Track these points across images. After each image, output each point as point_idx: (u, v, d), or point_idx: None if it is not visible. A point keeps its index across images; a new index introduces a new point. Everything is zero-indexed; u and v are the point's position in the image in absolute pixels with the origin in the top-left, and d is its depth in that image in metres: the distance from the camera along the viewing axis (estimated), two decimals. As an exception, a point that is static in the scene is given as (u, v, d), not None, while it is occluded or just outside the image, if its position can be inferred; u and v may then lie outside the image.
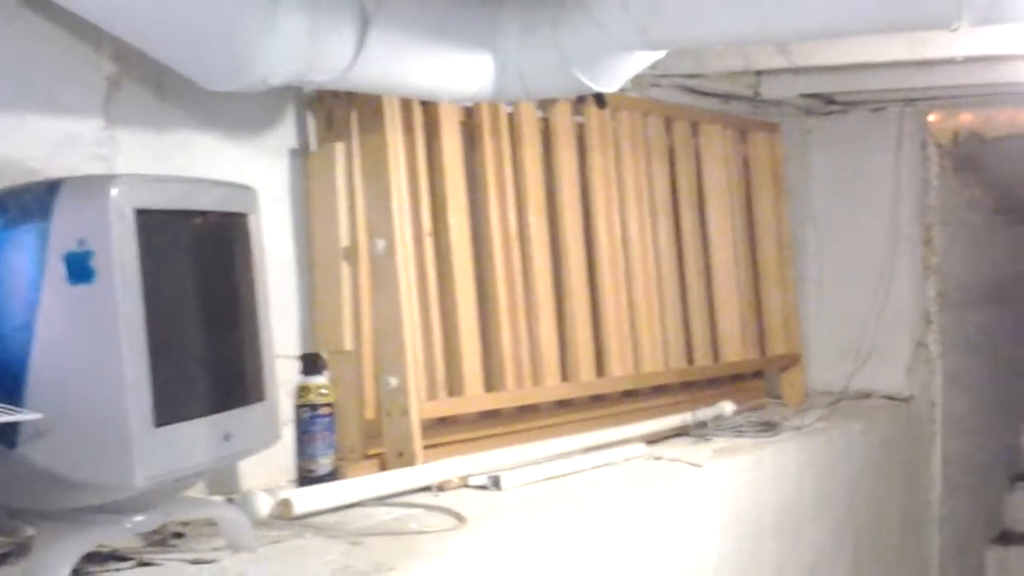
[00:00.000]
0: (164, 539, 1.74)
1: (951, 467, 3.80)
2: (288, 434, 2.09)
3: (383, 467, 2.22)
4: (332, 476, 2.11)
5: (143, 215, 1.45)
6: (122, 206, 1.44)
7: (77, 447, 1.41)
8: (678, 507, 2.43)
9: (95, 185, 1.49)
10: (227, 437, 1.58)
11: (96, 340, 1.41)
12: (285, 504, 1.90)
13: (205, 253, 1.62)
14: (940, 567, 3.77)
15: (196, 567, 1.65)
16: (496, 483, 2.24)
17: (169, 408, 1.46)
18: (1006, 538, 4.31)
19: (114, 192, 1.44)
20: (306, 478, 2.08)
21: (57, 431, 1.40)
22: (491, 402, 2.49)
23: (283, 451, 2.07)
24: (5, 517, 1.53)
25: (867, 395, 3.60)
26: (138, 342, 1.42)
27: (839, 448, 3.16)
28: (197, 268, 1.60)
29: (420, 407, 2.23)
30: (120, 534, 1.57)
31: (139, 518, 1.55)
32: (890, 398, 3.60)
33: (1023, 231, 4.56)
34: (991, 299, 4.17)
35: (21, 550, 1.58)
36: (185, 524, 1.80)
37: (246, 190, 1.70)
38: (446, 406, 2.37)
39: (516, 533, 1.99)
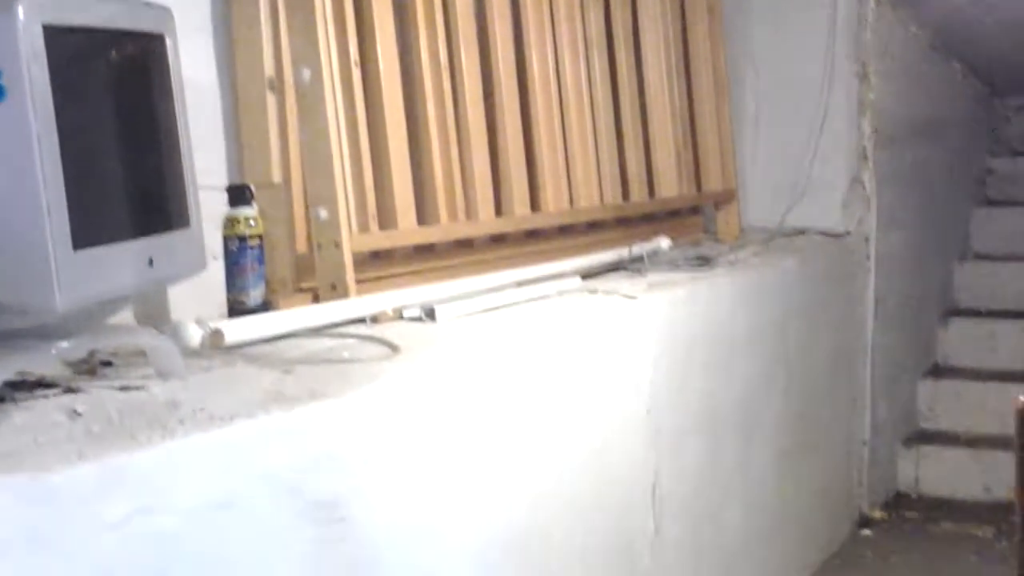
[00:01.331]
0: (93, 368, 1.72)
1: (884, 302, 3.86)
2: (218, 268, 2.08)
3: (316, 301, 2.21)
4: (264, 308, 2.10)
5: (52, 31, 1.41)
6: (30, 22, 1.39)
7: (-6, 270, 1.39)
8: (612, 338, 2.45)
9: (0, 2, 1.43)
10: (150, 262, 1.56)
11: (9, 160, 1.38)
12: (216, 334, 1.89)
13: (121, 75, 1.58)
14: (872, 400, 3.86)
15: (125, 393, 1.64)
16: (430, 315, 2.24)
17: (87, 231, 1.44)
18: (937, 372, 4.41)
19: (20, 8, 1.39)
20: (237, 310, 2.06)
21: (-28, 252, 1.38)
22: (424, 236, 2.48)
23: (213, 285, 2.06)
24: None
25: (802, 231, 3.63)
26: (53, 162, 1.39)
27: (773, 283, 3.20)
28: (113, 90, 1.56)
29: (352, 240, 2.22)
30: (45, 360, 1.56)
31: (64, 344, 1.53)
32: (825, 234, 3.64)
33: (959, 68, 4.57)
34: (927, 136, 4.20)
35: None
36: (114, 355, 1.79)
37: (162, 10, 1.65)
38: (378, 239, 2.35)
39: (449, 362, 2.00)
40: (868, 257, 3.78)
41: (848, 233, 3.68)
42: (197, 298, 2.02)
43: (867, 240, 3.77)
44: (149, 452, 1.46)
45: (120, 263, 1.51)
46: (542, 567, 2.20)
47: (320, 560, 1.69)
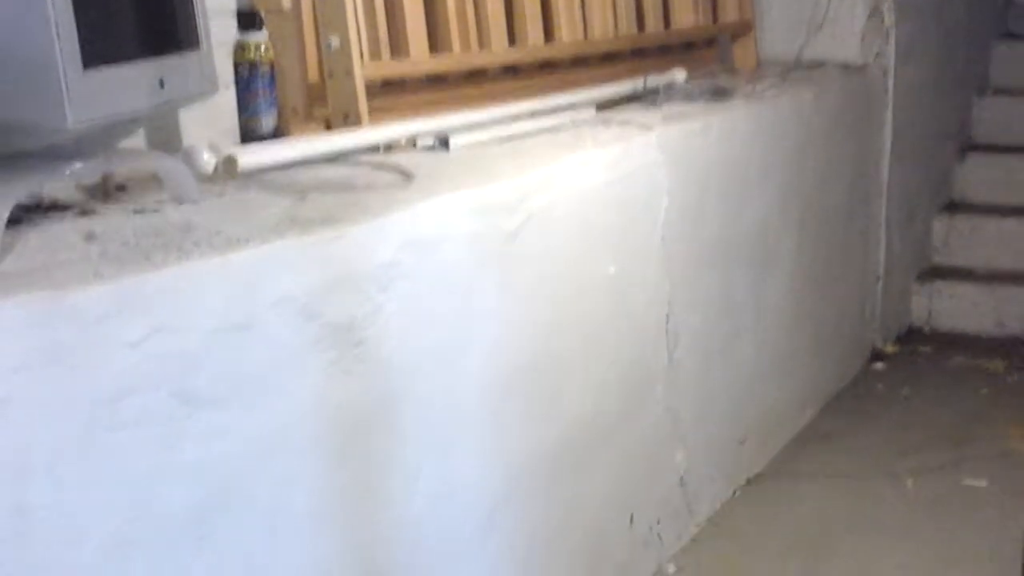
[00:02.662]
0: (107, 192, 1.72)
1: (901, 136, 3.82)
2: (230, 97, 2.06)
3: (328, 130, 2.19)
4: (276, 135, 2.08)
5: None
6: None
7: (8, 88, 1.38)
8: (626, 167, 2.43)
9: None
10: (161, 83, 1.54)
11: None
12: (229, 160, 1.88)
13: None
14: (887, 235, 3.85)
15: (139, 216, 1.64)
16: (444, 144, 2.23)
17: (97, 50, 1.42)
18: (953, 208, 4.39)
19: None
20: (250, 137, 2.05)
21: (-14, 73, 1.37)
22: (436, 65, 2.45)
23: (225, 112, 2.04)
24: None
25: (820, 64, 3.57)
26: (61, -19, 1.37)
27: (789, 115, 3.16)
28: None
29: (364, 67, 2.19)
30: (59, 180, 1.56)
31: (78, 165, 1.53)
32: (843, 67, 3.58)
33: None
34: (948, -33, 4.11)
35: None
36: (128, 179, 1.78)
37: None
38: (390, 68, 2.32)
39: (463, 190, 1.99)
40: (886, 91, 3.72)
41: (866, 66, 3.63)
42: (209, 126, 2.01)
43: (885, 73, 3.71)
44: (165, 273, 1.47)
45: (130, 83, 1.50)
46: (555, 395, 2.23)
47: (336, 382, 1.71)
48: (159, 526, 1.47)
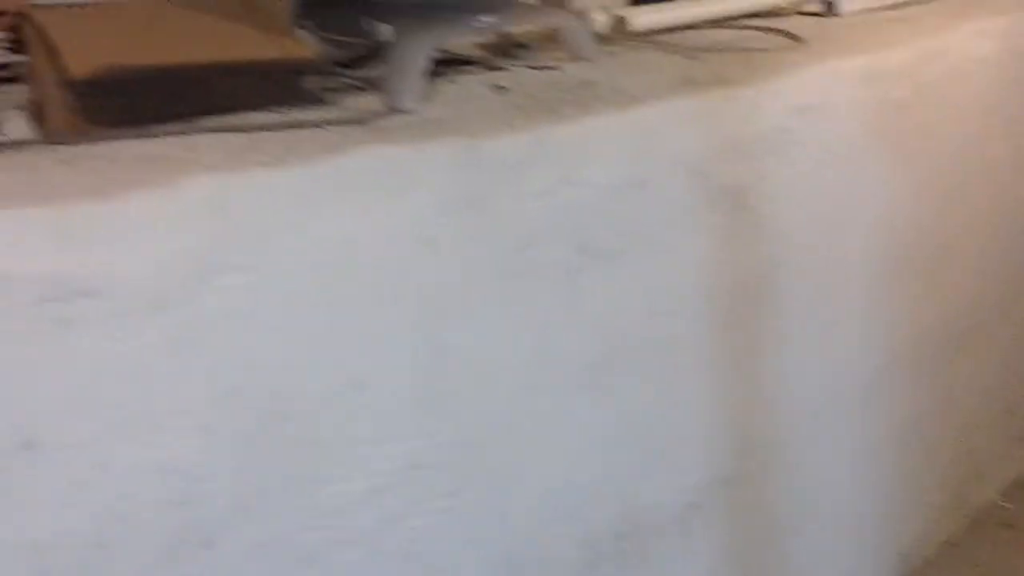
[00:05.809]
0: (507, 49, 1.76)
1: None
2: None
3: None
4: (663, -1, 2.07)
5: None
6: None
7: (430, -64, 1.42)
8: (1024, 38, 2.29)
9: None
10: (571, -64, 1.55)
11: None
12: (620, 21, 1.88)
13: None
14: None
15: (541, 72, 1.67)
16: (831, 8, 2.15)
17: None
18: None
19: None
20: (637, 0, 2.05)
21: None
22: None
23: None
24: (361, 16, 1.56)
25: None
26: None
27: None
28: None
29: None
30: (469, 31, 1.60)
31: (487, 18, 1.56)
32: None
33: None
34: None
35: (376, 51, 1.63)
36: (524, 38, 1.81)
37: None
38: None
39: (854, 54, 1.92)
40: None
41: None
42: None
43: None
44: (570, 126, 1.48)
45: (544, -65, 1.51)
46: (937, 277, 2.15)
47: (724, 245, 1.70)
48: (559, 372, 1.52)
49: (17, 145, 1.21)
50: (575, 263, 1.51)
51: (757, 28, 2.02)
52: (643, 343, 1.63)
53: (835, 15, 2.14)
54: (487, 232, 1.41)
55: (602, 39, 1.85)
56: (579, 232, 1.51)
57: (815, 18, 2.15)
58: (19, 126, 1.24)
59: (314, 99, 1.44)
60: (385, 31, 1.54)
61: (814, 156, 1.83)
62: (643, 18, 1.92)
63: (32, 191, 1.09)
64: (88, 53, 1.20)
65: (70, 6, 1.28)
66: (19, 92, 1.24)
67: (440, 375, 1.40)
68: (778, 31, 1.98)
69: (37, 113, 1.24)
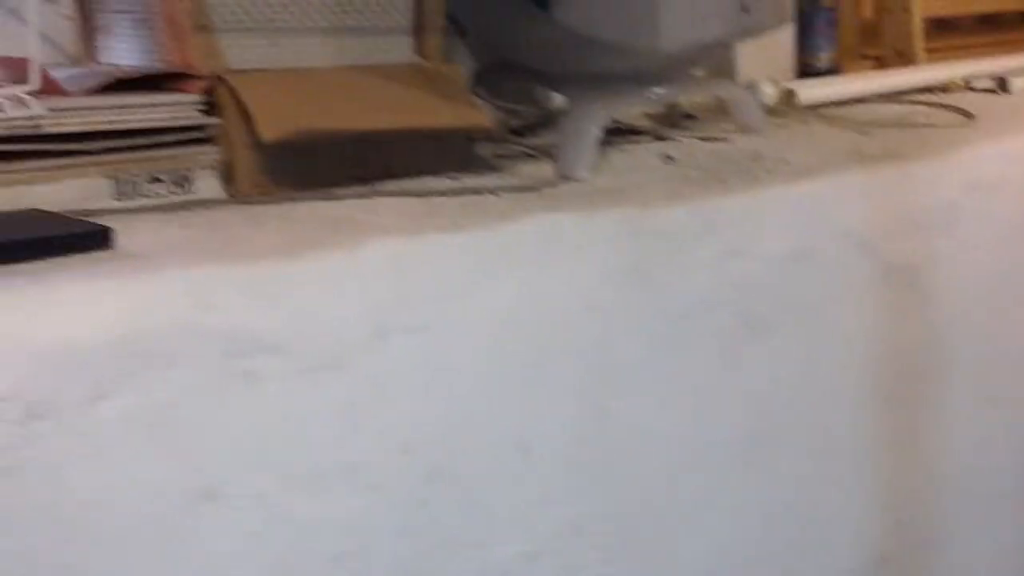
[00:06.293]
0: (674, 120, 1.77)
1: None
2: (788, 30, 2.06)
3: (880, 68, 2.15)
4: (831, 73, 2.06)
5: None
6: None
7: (606, 9, 1.44)
8: None
9: None
10: (744, 8, 1.56)
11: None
12: (789, 94, 1.89)
13: None
14: None
15: (709, 144, 1.68)
16: (1003, 86, 2.12)
17: (691, -26, 1.46)
18: None
19: None
20: (806, 72, 2.05)
21: (586, -8, 1.44)
22: (992, 5, 2.33)
23: (783, 46, 2.04)
24: (536, 86, 1.60)
25: None
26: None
27: None
28: None
29: (922, 3, 2.13)
30: (642, 102, 1.62)
31: (659, 90, 1.58)
32: None
33: None
34: None
35: (548, 119, 1.66)
36: (692, 109, 1.83)
37: None
38: (945, 6, 2.24)
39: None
40: None
41: None
42: (764, 56, 2.02)
43: None
44: (738, 198, 1.49)
45: (718, 7, 1.52)
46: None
47: (890, 322, 1.68)
48: (716, 445, 1.51)
49: (207, 203, 1.26)
50: (737, 335, 1.51)
51: (927, 104, 2.00)
52: (801, 418, 1.61)
53: (1007, 93, 2.11)
54: (651, 301, 1.42)
55: (771, 111, 1.85)
56: (743, 304, 1.51)
57: (986, 95, 2.12)
58: (210, 185, 1.29)
59: (487, 165, 1.48)
60: (557, 100, 1.57)
61: (984, 234, 1.80)
62: (812, 91, 1.92)
63: (223, 249, 1.14)
64: (278, 117, 1.25)
65: (263, 71, 1.33)
66: (211, 153, 1.29)
67: (600, 442, 1.40)
68: (949, 107, 1.96)
69: (227, 173, 1.29)
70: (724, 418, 1.52)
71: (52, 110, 1.17)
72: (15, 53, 1.32)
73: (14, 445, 0.98)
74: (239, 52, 1.33)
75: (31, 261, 1.03)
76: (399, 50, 1.45)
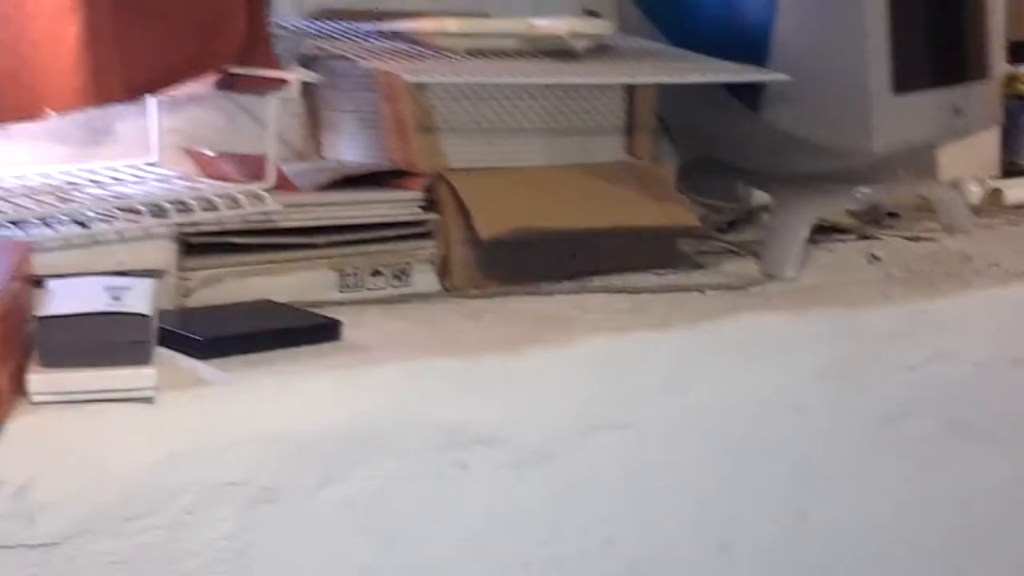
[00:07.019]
0: (878, 218, 1.76)
1: None
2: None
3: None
4: (1038, 171, 2.02)
5: None
6: None
7: (818, 111, 1.45)
8: None
9: None
10: (956, 111, 1.55)
11: (839, 5, 1.43)
12: (995, 193, 1.86)
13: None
14: None
15: (915, 243, 1.66)
16: None
17: (904, 76, 1.46)
18: None
19: None
20: (1011, 171, 2.01)
21: (799, 94, 1.45)
22: None
23: (987, 145, 2.01)
24: (738, 183, 1.62)
25: None
26: (879, 9, 1.43)
27: None
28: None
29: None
30: (850, 201, 1.62)
31: (866, 189, 1.58)
32: None
33: None
34: None
35: (750, 216, 1.68)
36: (896, 207, 1.82)
37: None
38: None
39: None
40: None
41: None
42: (967, 155, 1.99)
43: None
44: (947, 300, 1.47)
45: (930, 110, 1.52)
46: None
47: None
48: (914, 551, 1.48)
49: (425, 296, 1.31)
50: (941, 439, 1.48)
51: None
52: (1002, 525, 1.57)
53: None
54: (856, 402, 1.41)
55: (976, 210, 1.83)
56: (948, 408, 1.48)
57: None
58: (426, 279, 1.34)
59: (691, 262, 1.49)
60: (760, 197, 1.58)
61: None
62: (1019, 190, 1.88)
63: (441, 343, 1.18)
64: (496, 215, 1.29)
65: (481, 170, 1.38)
66: (429, 247, 1.34)
67: (798, 543, 1.39)
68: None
69: (443, 267, 1.34)
70: (923, 522, 1.49)
71: (286, 206, 1.23)
72: (248, 149, 1.40)
73: (241, 529, 1.03)
74: (458, 151, 1.37)
75: (267, 351, 1.08)
76: (611, 149, 1.48)
